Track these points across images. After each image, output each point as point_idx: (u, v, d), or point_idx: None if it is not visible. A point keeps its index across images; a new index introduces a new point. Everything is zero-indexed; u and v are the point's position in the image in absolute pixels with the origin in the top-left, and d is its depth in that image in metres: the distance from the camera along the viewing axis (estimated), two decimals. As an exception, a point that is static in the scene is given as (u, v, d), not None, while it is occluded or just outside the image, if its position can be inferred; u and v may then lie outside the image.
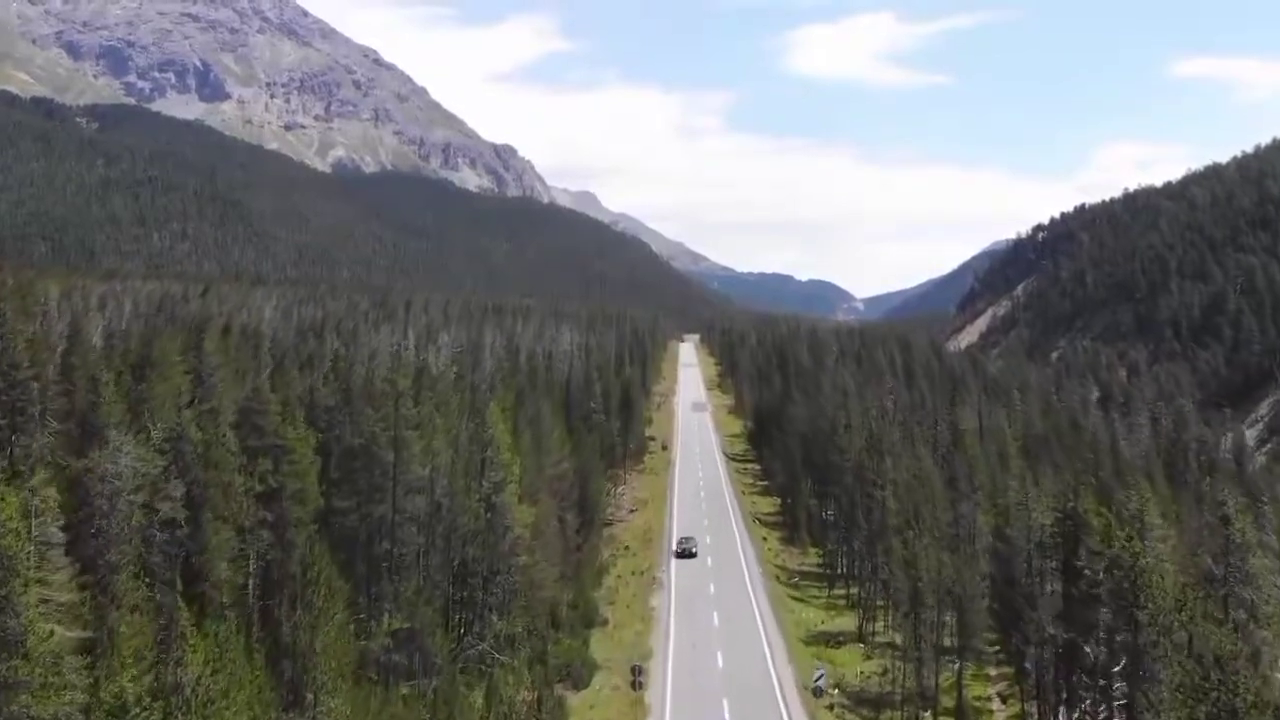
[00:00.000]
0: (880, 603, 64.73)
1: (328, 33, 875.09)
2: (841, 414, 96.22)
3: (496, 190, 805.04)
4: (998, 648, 55.75)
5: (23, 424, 49.39)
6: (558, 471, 71.92)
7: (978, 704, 53.24)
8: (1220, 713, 25.74)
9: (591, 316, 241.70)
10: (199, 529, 43.38)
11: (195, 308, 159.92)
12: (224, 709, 27.94)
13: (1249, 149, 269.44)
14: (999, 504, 65.65)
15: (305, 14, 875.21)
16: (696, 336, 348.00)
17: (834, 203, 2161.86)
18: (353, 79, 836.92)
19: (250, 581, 47.18)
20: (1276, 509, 62.59)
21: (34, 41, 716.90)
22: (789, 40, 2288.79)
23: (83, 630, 31.44)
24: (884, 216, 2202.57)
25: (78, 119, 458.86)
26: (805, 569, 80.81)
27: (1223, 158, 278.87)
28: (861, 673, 55.55)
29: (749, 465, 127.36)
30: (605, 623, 61.30)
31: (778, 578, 75.60)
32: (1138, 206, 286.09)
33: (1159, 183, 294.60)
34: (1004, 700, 54.57)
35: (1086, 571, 39.03)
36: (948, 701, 50.91)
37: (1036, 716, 49.06)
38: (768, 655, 54.18)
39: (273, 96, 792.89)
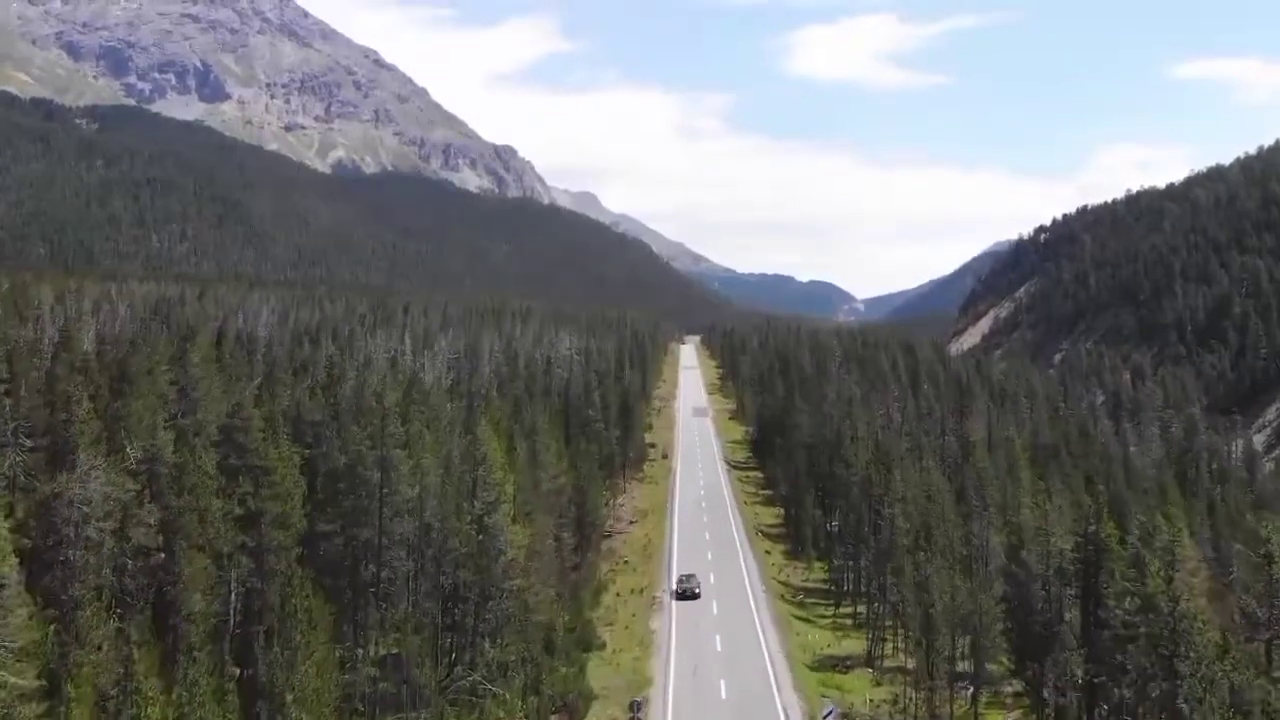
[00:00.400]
0: (889, 623, 62.48)
1: (328, 33, 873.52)
2: (847, 424, 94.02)
3: (497, 191, 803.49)
4: (1012, 669, 53.65)
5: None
6: (555, 486, 69.63)
7: (993, 733, 51.06)
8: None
9: (591, 320, 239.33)
10: (173, 557, 41.16)
11: (191, 311, 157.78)
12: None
13: (1251, 150, 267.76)
14: (1011, 521, 63.51)
15: (306, 15, 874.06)
16: (697, 338, 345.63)
17: (834, 203, 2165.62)
18: (353, 80, 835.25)
19: (231, 609, 44.97)
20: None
21: (34, 42, 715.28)
22: (789, 41, 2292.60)
23: (35, 679, 29.23)
24: (884, 217, 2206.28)
25: (77, 120, 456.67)
26: (810, 585, 78.62)
27: (1224, 159, 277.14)
28: (871, 700, 53.24)
29: (751, 474, 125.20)
30: (603, 646, 59.01)
31: (782, 595, 73.34)
32: (1140, 208, 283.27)
33: (1161, 184, 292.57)
34: (1020, 729, 52.29)
35: (1117, 611, 36.65)
36: (961, 731, 48.74)
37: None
38: (773, 684, 51.79)
39: (273, 97, 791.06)
